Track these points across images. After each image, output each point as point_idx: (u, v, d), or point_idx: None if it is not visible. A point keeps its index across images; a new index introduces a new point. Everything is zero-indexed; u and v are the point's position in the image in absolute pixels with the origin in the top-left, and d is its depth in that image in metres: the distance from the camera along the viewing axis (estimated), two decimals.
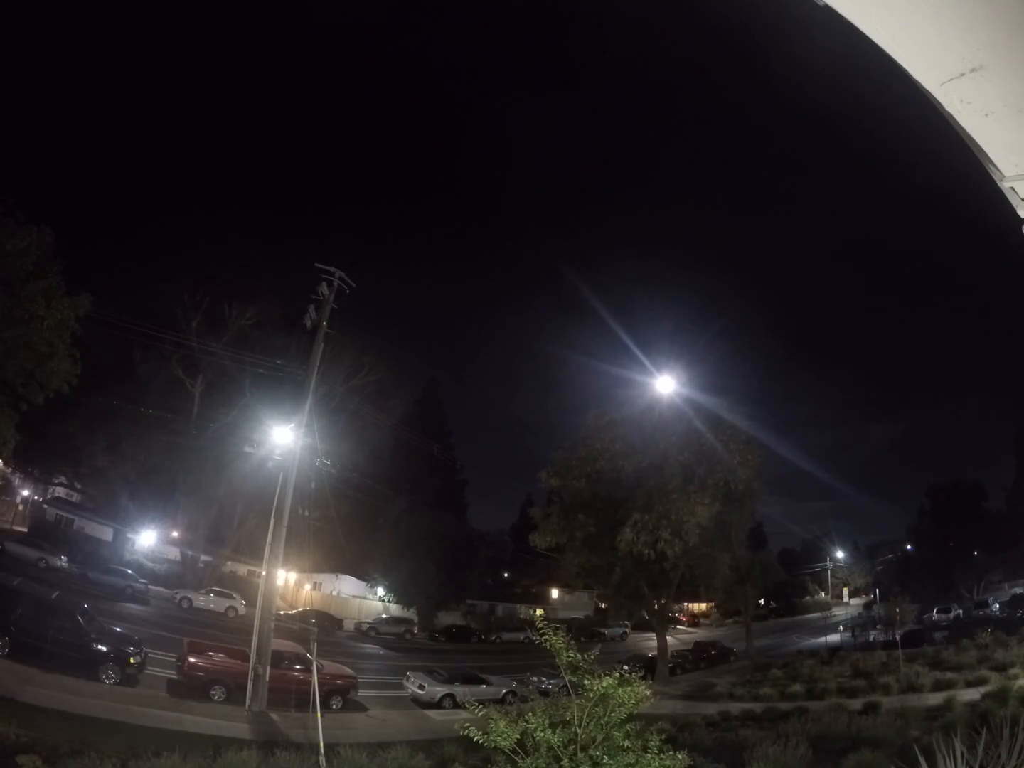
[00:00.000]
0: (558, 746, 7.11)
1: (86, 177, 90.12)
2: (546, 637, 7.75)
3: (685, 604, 72.55)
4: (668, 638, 37.17)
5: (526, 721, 7.22)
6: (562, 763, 7.03)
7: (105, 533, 45.60)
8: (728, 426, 33.12)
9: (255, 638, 19.41)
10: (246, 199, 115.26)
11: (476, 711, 7.76)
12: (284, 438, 22.36)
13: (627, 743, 7.23)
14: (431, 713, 22.48)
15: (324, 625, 36.48)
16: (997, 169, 2.65)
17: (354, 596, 52.65)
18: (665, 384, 28.78)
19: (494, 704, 9.48)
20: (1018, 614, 41.78)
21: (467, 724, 7.47)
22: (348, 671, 23.18)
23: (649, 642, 44.48)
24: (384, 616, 47.43)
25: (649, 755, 7.10)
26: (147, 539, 46.24)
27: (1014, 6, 2.16)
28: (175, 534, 47.09)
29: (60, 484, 52.45)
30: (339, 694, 21.35)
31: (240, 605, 36.37)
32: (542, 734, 7.08)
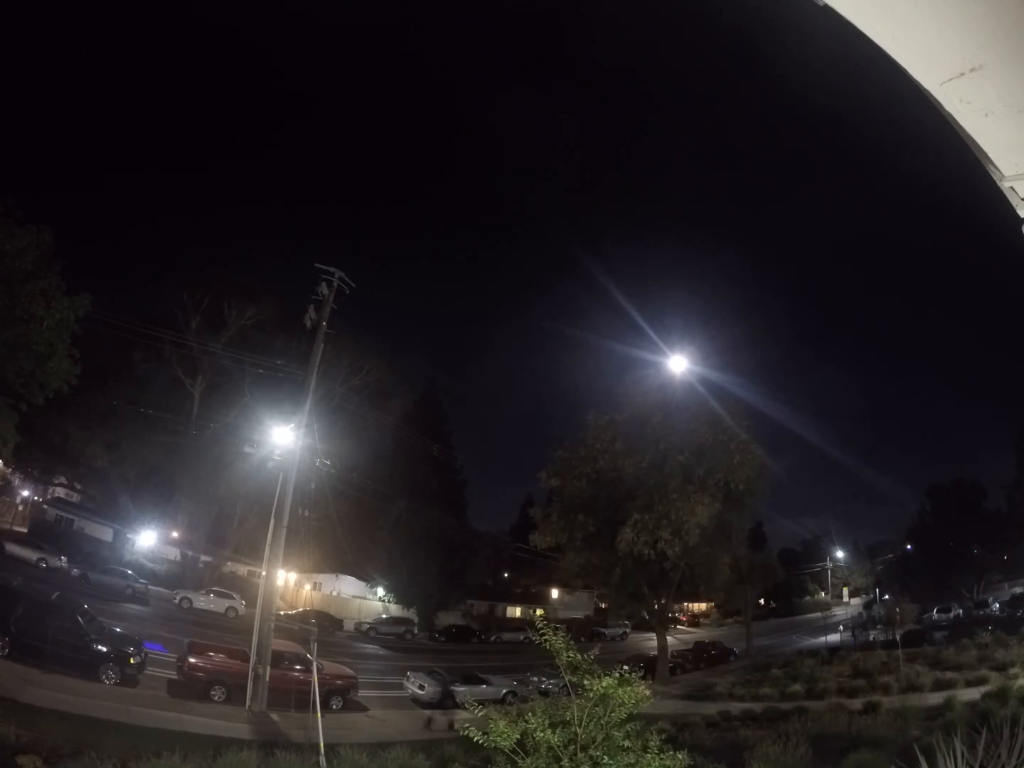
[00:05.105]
0: (558, 746, 7.11)
1: (85, 176, 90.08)
2: (546, 637, 7.75)
3: (685, 604, 72.56)
4: (668, 638, 37.18)
5: (526, 721, 7.21)
6: (562, 763, 7.03)
7: (105, 533, 45.54)
8: (729, 426, 33.12)
9: (255, 638, 19.42)
10: (246, 199, 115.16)
11: (476, 711, 7.77)
12: (284, 438, 22.36)
13: (627, 743, 7.23)
14: (431, 713, 22.48)
15: (324, 625, 36.47)
16: (997, 169, 2.65)
17: (354, 596, 52.62)
18: (678, 363, 28.42)
19: (494, 704, 9.48)
20: (1018, 613, 41.78)
21: (467, 724, 7.47)
22: (348, 671, 23.18)
23: (649, 642, 44.46)
24: (384, 616, 47.41)
25: (649, 755, 7.10)
26: (147, 539, 46.17)
27: (1014, 6, 2.16)
28: (175, 534, 47.07)
29: (60, 484, 52.42)
30: (339, 694, 21.36)
31: (240, 605, 36.35)
32: (542, 734, 7.08)
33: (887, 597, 56.34)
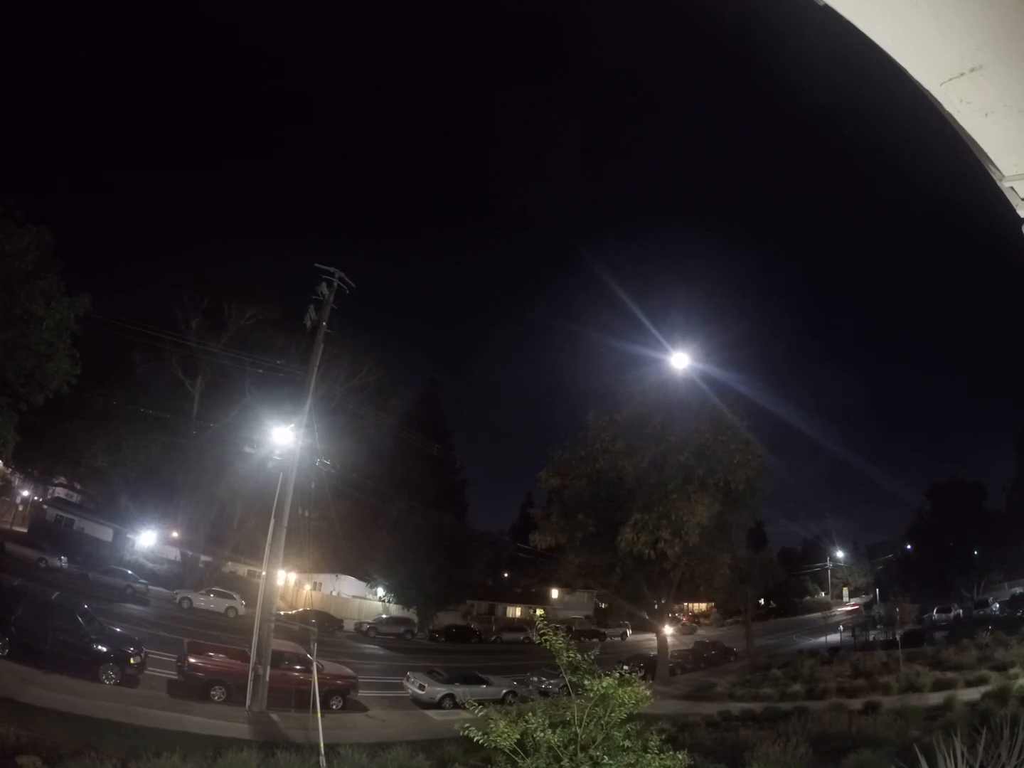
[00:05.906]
0: (558, 746, 7.10)
1: (85, 176, 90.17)
2: (546, 637, 7.75)
3: (685, 604, 72.50)
4: (668, 638, 37.16)
5: (526, 721, 7.21)
6: (562, 763, 7.03)
7: (105, 533, 45.57)
8: (731, 425, 33.09)
9: (255, 638, 19.40)
10: (246, 199, 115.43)
11: (476, 711, 7.75)
12: (284, 438, 22.34)
13: (627, 743, 7.22)
14: (431, 713, 22.47)
15: (324, 625, 36.46)
16: (997, 169, 2.65)
17: (354, 596, 52.63)
18: (679, 360, 28.24)
19: (494, 704, 9.47)
20: (1018, 614, 41.78)
21: (467, 724, 7.45)
22: (348, 671, 23.17)
23: (649, 642, 44.46)
24: (384, 616, 47.40)
25: (649, 755, 7.09)
26: (147, 539, 46.21)
27: (1014, 6, 2.16)
28: (175, 534, 47.08)
29: (60, 484, 52.43)
30: (339, 694, 21.34)
31: (240, 605, 36.35)
32: (542, 734, 7.07)
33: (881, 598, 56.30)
